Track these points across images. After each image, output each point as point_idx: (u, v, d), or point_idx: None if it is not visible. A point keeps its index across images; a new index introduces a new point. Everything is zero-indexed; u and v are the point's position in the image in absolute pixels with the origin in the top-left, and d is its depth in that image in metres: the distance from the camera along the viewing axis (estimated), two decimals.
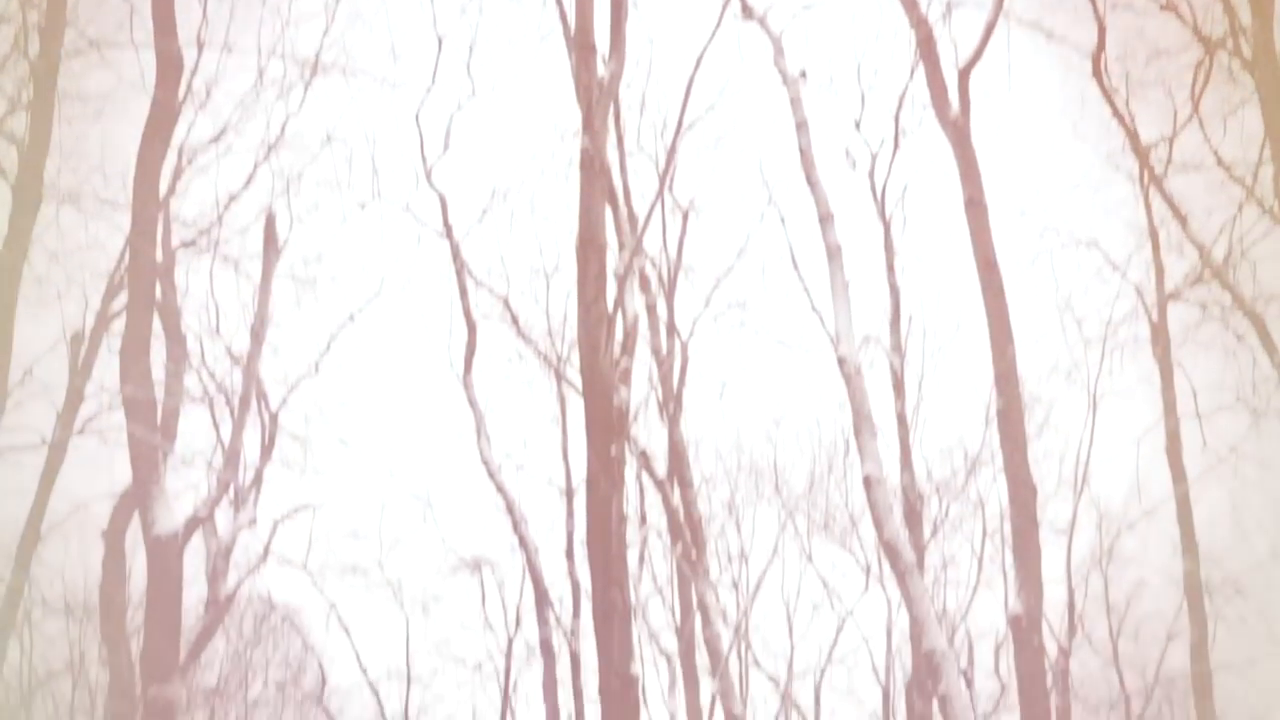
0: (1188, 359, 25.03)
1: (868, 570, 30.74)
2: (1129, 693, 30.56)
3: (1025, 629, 17.56)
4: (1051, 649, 26.47)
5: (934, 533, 29.11)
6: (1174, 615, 28.23)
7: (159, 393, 19.53)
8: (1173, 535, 24.99)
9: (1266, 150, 20.87)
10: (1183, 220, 21.98)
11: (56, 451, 22.90)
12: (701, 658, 25.19)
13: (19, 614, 25.80)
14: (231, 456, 20.62)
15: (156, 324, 20.09)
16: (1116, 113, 21.87)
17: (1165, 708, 33.29)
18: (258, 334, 20.97)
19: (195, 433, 22.78)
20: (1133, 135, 22.13)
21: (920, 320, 28.45)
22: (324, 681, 31.31)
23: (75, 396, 23.42)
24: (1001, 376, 18.02)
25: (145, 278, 18.99)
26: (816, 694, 30.93)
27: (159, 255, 20.28)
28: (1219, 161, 22.03)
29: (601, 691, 17.82)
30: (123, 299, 21.51)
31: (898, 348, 27.12)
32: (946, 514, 29.86)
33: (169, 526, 17.96)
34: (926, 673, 21.84)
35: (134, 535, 20.40)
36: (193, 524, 19.36)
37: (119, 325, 20.60)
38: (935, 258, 27.83)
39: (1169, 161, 22.79)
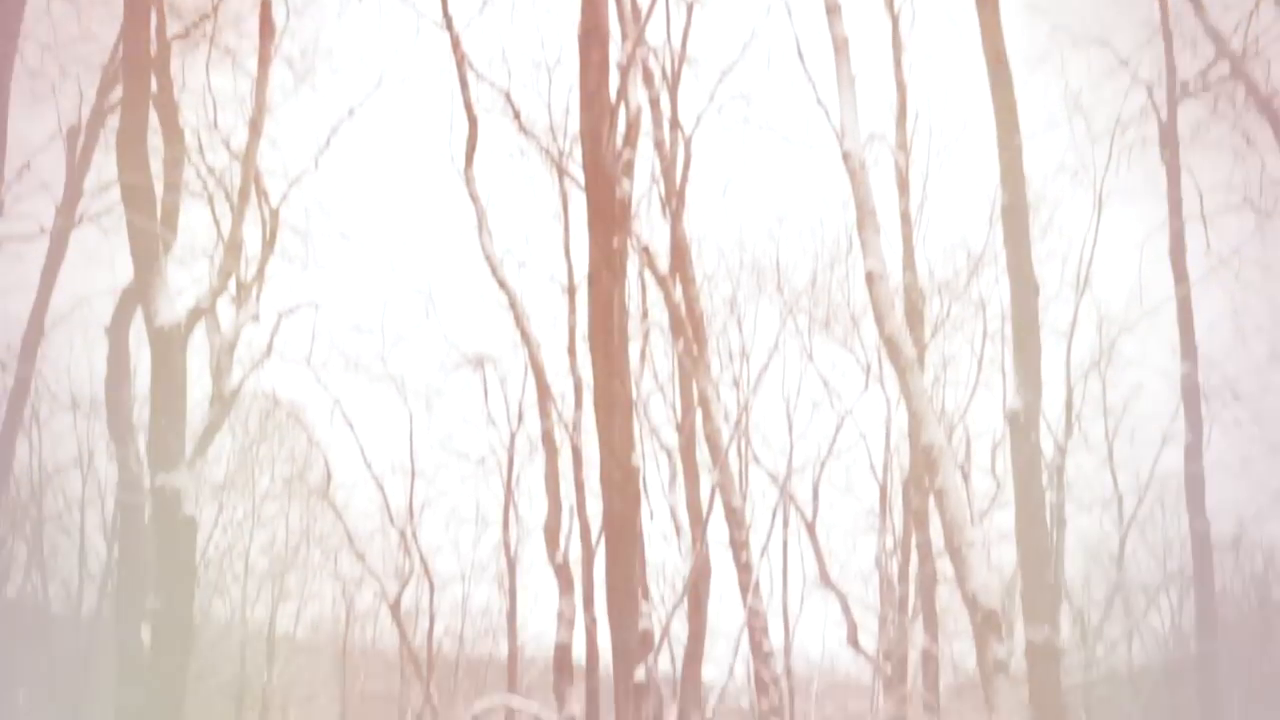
0: (1195, 160, 24.88)
1: (868, 369, 30.85)
2: (1122, 492, 30.99)
3: (1023, 425, 17.65)
4: (1048, 447, 26.76)
5: (934, 333, 29.18)
6: (1170, 418, 28.40)
7: (158, 189, 19.43)
8: (1172, 338, 25.10)
9: None
10: (1200, 7, 21.53)
11: (57, 244, 22.89)
12: (702, 453, 25.51)
13: (26, 411, 26.06)
14: (232, 247, 20.49)
15: (153, 119, 19.85)
16: None
17: (1157, 510, 33.77)
18: (256, 124, 20.65)
19: (196, 230, 22.76)
20: None
21: (926, 118, 28.14)
22: (329, 476, 31.72)
23: (74, 191, 23.32)
24: (1007, 170, 17.79)
25: (140, 69, 18.70)
26: (815, 490, 31.28)
27: (153, 47, 19.89)
28: None
29: (603, 482, 18.09)
30: (118, 93, 21.23)
31: (903, 145, 26.86)
32: (948, 314, 29.89)
33: (171, 317, 18.00)
34: (924, 467, 22.09)
35: (138, 333, 20.47)
36: (195, 315, 19.34)
37: (116, 121, 20.33)
38: (943, 54, 27.37)
39: None
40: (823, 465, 31.54)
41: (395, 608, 31.16)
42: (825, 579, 30.68)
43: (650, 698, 17.96)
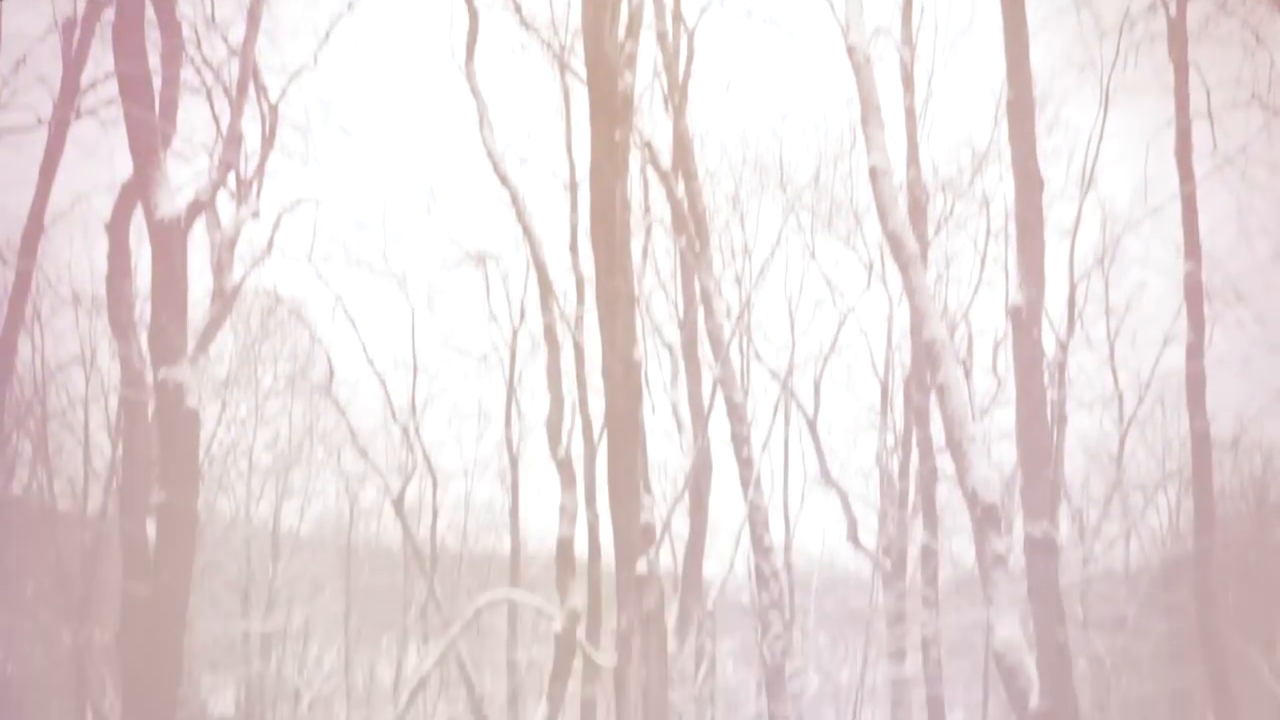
0: (1203, 57, 24.58)
1: (870, 267, 30.86)
2: (1122, 391, 30.99)
3: (1025, 320, 17.62)
4: (1050, 345, 26.74)
5: (937, 230, 29.08)
6: (1172, 318, 28.35)
7: (156, 83, 19.27)
8: (1176, 237, 24.95)
9: None
10: None
11: (55, 139, 22.67)
12: (704, 350, 25.55)
13: (28, 308, 25.98)
14: (231, 139, 20.37)
15: (149, 11, 19.62)
16: None
17: (1157, 410, 33.77)
18: (253, 15, 20.44)
19: (195, 126, 22.57)
20: None
21: (932, 12, 27.84)
22: (332, 373, 31.83)
23: (71, 85, 23.08)
24: (1013, 65, 17.57)
25: None
26: (816, 387, 31.42)
27: None
28: None
29: (605, 377, 18.16)
30: None
31: (908, 40, 26.61)
32: (951, 212, 29.76)
33: (171, 211, 17.96)
34: (925, 363, 22.14)
35: (138, 229, 20.36)
36: (195, 208, 19.29)
37: (112, 14, 20.08)
38: None
39: None
40: (825, 360, 31.60)
41: (398, 503, 31.37)
42: (826, 476, 30.87)
43: (652, 589, 18.14)
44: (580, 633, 23.92)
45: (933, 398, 23.49)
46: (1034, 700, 15.49)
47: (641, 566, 18.21)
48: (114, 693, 26.54)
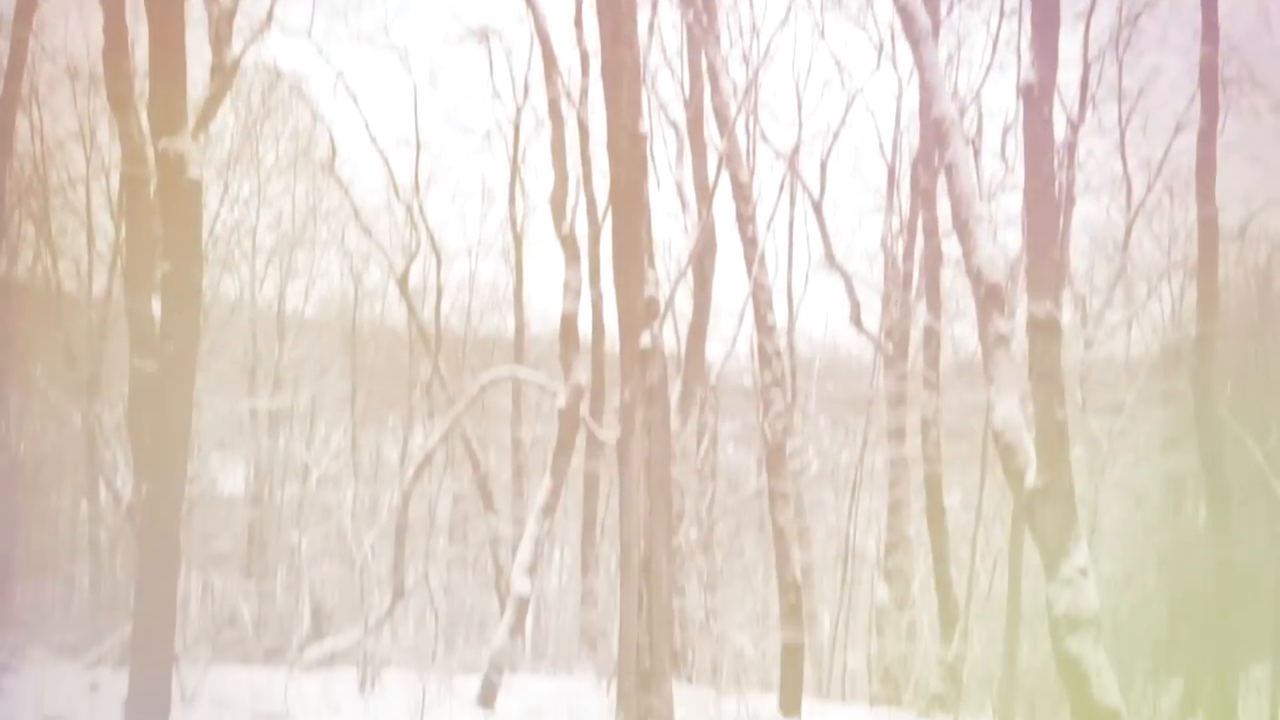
0: None
1: (880, 48, 30.37)
2: (1131, 176, 30.72)
3: (1036, 98, 17.33)
4: (1061, 128, 26.38)
5: (950, 10, 28.47)
6: (1186, 105, 27.91)
7: None
8: (1194, 20, 24.42)
9: None
10: None
11: None
12: (710, 129, 25.27)
13: (24, 84, 25.60)
14: None
15: None
16: None
17: (1165, 198, 33.54)
18: None
19: None
20: None
21: None
22: (334, 151, 31.59)
23: None
24: None
25: None
26: (822, 168, 31.15)
27: None
28: None
29: (610, 149, 17.95)
30: None
31: None
32: None
33: None
34: (934, 142, 21.89)
35: (134, 6, 19.89)
36: None
37: None
38: None
39: None
40: (835, 137, 31.28)
41: (403, 283, 31.45)
42: (830, 259, 30.83)
43: (655, 363, 18.17)
44: (584, 409, 24.16)
45: (939, 180, 23.29)
46: (1030, 477, 15.64)
47: (645, 340, 18.18)
48: (125, 469, 26.94)
